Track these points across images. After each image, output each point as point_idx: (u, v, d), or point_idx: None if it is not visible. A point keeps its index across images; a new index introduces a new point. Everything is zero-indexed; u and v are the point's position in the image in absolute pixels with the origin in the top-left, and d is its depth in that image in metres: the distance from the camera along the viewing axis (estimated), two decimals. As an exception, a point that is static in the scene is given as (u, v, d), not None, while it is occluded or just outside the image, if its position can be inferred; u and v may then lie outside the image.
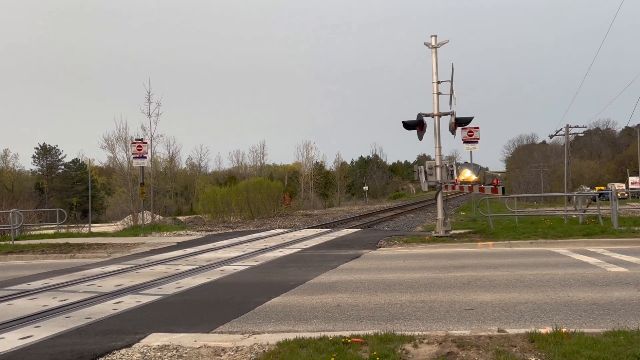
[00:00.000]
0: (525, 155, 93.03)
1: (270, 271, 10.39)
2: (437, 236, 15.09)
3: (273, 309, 7.16)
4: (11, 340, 5.95)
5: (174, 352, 5.30)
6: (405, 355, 4.90)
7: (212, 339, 5.76)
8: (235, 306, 7.38)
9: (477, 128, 21.93)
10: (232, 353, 5.23)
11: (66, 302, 8.00)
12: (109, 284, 9.46)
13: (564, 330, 5.31)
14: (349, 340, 5.25)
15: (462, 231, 16.70)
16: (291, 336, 5.53)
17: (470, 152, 23.25)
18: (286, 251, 13.39)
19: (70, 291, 8.97)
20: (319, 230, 19.20)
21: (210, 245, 15.38)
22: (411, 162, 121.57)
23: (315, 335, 5.53)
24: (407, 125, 15.84)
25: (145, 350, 5.38)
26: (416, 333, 5.54)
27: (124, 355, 5.30)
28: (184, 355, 5.23)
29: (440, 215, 15.65)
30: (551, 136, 57.64)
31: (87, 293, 8.70)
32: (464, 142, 22.16)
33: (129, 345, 5.59)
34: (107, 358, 5.25)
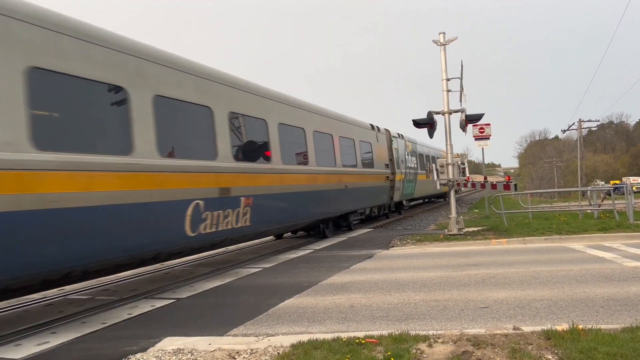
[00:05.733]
0: (538, 150, 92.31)
1: (283, 273, 10.39)
2: (450, 234, 14.99)
3: (286, 311, 7.16)
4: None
5: (189, 356, 5.32)
6: (419, 355, 4.87)
7: (227, 342, 5.77)
8: (248, 309, 7.39)
9: (489, 125, 21.70)
10: (246, 355, 5.23)
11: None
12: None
13: (580, 326, 5.25)
14: (363, 341, 5.24)
15: (475, 229, 16.58)
16: (305, 338, 5.53)
17: (482, 149, 23.09)
18: (299, 252, 13.38)
19: (85, 297, 9.00)
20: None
21: (223, 249, 15.41)
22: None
23: (329, 336, 5.52)
24: (417, 124, 15.79)
25: (160, 355, 5.41)
26: (430, 332, 5.50)
27: (139, 359, 5.33)
28: (199, 358, 5.24)
29: (453, 213, 15.56)
30: (564, 131, 57.19)
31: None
32: (475, 139, 21.95)
33: (144, 350, 5.62)
34: (122, 363, 5.29)
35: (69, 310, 7.95)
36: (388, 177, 21.41)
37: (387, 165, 21.64)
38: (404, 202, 26.10)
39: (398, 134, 24.09)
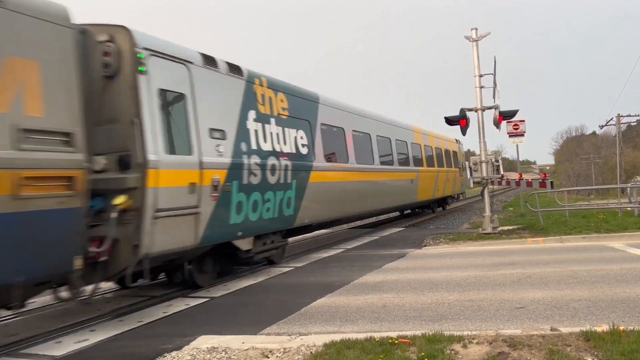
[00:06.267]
0: (575, 147, 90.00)
1: (315, 272, 10.41)
2: (484, 233, 14.77)
3: (319, 310, 7.17)
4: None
5: (222, 355, 5.37)
6: (454, 356, 4.81)
7: (260, 341, 5.81)
8: (281, 308, 7.42)
9: (523, 121, 21.30)
10: (279, 354, 5.26)
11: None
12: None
13: (621, 328, 5.10)
14: (396, 341, 5.20)
15: (510, 227, 16.29)
16: (338, 337, 5.52)
17: (517, 145, 22.66)
18: (330, 252, 13.38)
19: (122, 295, 9.19)
20: (362, 230, 19.11)
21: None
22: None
23: (361, 336, 5.50)
24: (450, 121, 15.61)
25: (195, 353, 5.48)
26: (465, 333, 5.43)
27: (174, 357, 5.41)
28: (232, 357, 5.29)
29: (487, 212, 15.32)
30: (601, 126, 55.58)
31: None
32: (510, 136, 21.58)
33: (179, 348, 5.70)
34: (158, 361, 5.38)
35: (107, 308, 8.13)
36: (72, 177, 6.21)
37: (64, 137, 6.23)
38: (243, 247, 9.82)
39: (204, 56, 9.24)
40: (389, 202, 18.05)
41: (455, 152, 27.17)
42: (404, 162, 19.08)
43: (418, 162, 20.67)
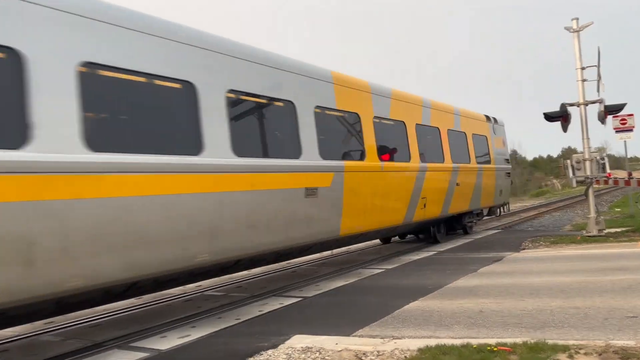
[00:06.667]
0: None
1: (407, 274, 10.27)
2: (588, 236, 13.86)
3: (412, 314, 7.05)
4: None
5: (317, 355, 5.44)
6: (559, 367, 4.54)
7: (353, 342, 5.81)
8: (373, 309, 7.39)
9: (632, 115, 19.73)
10: (373, 357, 5.23)
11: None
12: (254, 287, 10.03)
13: None
14: (495, 349, 5.00)
15: (617, 229, 15.15)
16: (432, 342, 5.40)
17: (624, 142, 21.05)
18: (422, 254, 13.15)
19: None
20: (452, 233, 18.59)
21: (345, 248, 15.62)
22: (554, 156, 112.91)
23: (458, 341, 5.34)
24: (549, 117, 14.82)
25: (290, 352, 5.59)
26: (571, 342, 5.11)
27: (270, 356, 5.55)
28: (326, 358, 5.34)
29: (592, 213, 14.36)
30: None
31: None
32: (616, 132, 20.09)
33: (274, 347, 5.84)
34: (256, 358, 5.54)
35: (206, 305, 8.51)
36: None
37: None
38: None
39: None
40: (221, 247, 7.15)
41: (484, 137, 16.92)
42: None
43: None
